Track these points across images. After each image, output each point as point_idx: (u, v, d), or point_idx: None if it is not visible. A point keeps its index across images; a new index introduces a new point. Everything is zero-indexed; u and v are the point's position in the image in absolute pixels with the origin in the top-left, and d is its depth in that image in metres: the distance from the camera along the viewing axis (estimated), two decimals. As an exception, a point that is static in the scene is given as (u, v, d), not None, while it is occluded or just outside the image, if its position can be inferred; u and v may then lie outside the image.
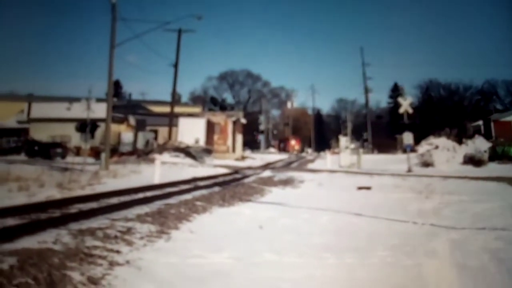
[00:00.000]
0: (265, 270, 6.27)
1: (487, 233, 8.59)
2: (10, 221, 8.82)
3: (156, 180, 18.53)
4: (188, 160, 36.32)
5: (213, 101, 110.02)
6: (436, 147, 32.74)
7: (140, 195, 13.97)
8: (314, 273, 6.18)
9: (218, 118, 56.25)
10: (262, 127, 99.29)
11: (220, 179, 22.27)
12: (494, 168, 30.16)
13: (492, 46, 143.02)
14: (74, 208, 10.99)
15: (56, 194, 14.36)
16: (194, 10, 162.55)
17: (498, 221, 9.85)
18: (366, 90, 76.72)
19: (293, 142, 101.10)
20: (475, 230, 8.93)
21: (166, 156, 35.32)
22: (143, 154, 37.96)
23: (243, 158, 55.54)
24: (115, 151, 38.78)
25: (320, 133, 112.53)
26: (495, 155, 37.83)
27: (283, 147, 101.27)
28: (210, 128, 51.24)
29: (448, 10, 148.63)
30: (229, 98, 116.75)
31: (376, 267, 6.48)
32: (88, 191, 15.69)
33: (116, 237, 7.62)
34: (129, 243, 7.37)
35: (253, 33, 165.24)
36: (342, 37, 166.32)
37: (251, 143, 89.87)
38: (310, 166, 40.00)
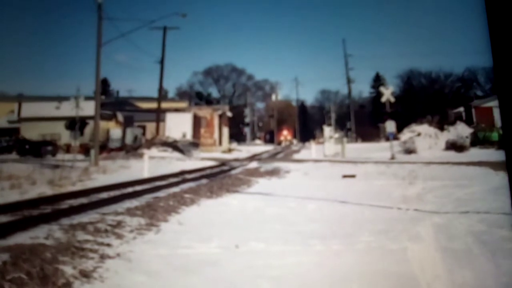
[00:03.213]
0: (253, 258, 6.31)
1: (470, 217, 8.68)
2: (3, 218, 8.93)
3: (145, 174, 18.67)
4: (176, 154, 36.40)
5: (199, 95, 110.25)
6: (419, 134, 33.05)
7: (130, 189, 14.09)
8: (301, 259, 6.22)
9: (204, 112, 56.24)
10: (247, 119, 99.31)
11: (208, 172, 22.38)
12: (476, 153, 30.60)
13: (471, 33, 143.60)
14: (65, 204, 11.10)
15: (47, 191, 14.49)
16: (179, 8, 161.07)
17: (480, 204, 9.97)
18: (349, 81, 77.36)
19: (285, 132, 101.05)
20: (458, 214, 9.03)
21: (154, 151, 35.49)
22: (131, 149, 38.13)
23: (229, 150, 55.61)
24: (104, 147, 39.01)
25: (305, 124, 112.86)
26: (477, 141, 38.46)
27: (269, 139, 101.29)
28: (197, 122, 51.28)
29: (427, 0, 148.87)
30: (214, 92, 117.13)
31: (362, 252, 6.54)
32: (78, 187, 15.81)
33: (106, 230, 7.72)
34: (120, 236, 7.47)
35: (237, 28, 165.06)
36: (324, 29, 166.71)
37: (237, 136, 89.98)
38: (296, 156, 40.18)
